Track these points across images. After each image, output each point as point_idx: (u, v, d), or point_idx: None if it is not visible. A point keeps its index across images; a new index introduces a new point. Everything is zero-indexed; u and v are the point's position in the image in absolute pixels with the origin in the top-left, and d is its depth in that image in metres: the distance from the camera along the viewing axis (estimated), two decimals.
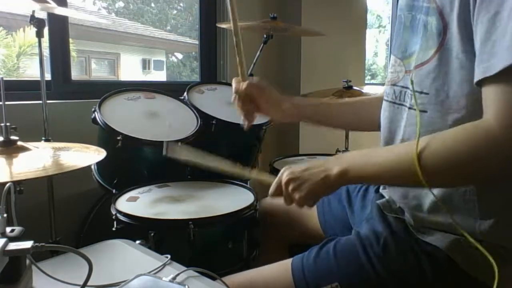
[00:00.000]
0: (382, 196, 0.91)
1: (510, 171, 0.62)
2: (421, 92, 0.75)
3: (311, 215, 1.12)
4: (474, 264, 0.73)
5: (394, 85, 0.84)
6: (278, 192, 0.82)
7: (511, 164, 0.61)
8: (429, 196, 0.76)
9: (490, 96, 0.62)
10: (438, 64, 0.73)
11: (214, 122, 1.44)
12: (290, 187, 0.78)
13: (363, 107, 1.09)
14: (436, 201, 0.75)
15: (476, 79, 0.64)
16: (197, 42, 2.35)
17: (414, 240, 0.79)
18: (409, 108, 0.79)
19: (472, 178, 0.68)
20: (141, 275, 0.68)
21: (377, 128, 1.03)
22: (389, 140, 0.85)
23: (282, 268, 0.88)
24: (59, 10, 1.33)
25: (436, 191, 0.75)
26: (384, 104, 0.89)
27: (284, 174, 0.80)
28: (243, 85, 1.00)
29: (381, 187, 0.95)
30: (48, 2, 1.30)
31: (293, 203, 0.80)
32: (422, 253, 0.77)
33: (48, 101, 1.40)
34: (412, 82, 0.77)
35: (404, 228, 0.81)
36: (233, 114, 1.52)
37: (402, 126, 0.81)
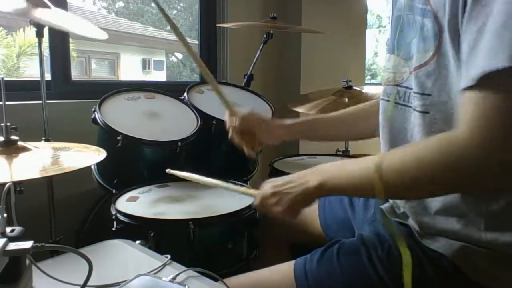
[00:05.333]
0: (386, 200, 0.90)
1: (486, 182, 0.61)
2: (422, 94, 0.75)
3: (313, 217, 1.11)
4: (481, 271, 0.73)
5: (398, 85, 0.83)
6: (262, 205, 0.84)
7: (485, 175, 0.59)
8: (434, 201, 0.76)
9: (465, 104, 0.61)
10: (437, 66, 0.72)
11: (214, 122, 1.44)
12: (272, 201, 0.81)
13: (353, 120, 1.12)
14: (442, 207, 0.74)
15: (461, 88, 0.63)
16: (197, 42, 2.35)
17: (418, 246, 0.78)
18: (414, 109, 0.77)
19: (444, 188, 0.66)
20: (141, 275, 0.68)
21: (371, 136, 1.05)
22: (394, 142, 0.84)
23: (284, 271, 0.87)
24: (56, 20, 1.31)
25: (443, 197, 0.74)
26: (385, 104, 0.87)
27: (265, 188, 0.83)
28: (236, 120, 1.06)
29: None
30: (47, 6, 1.29)
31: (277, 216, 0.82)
32: (426, 259, 0.76)
33: (48, 101, 1.40)
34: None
35: (408, 233, 0.80)
36: None
37: (409, 128, 0.80)
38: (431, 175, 0.63)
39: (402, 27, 0.83)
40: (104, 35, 1.36)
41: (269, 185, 0.83)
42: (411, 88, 0.79)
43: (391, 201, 0.88)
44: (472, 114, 0.59)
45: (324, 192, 0.76)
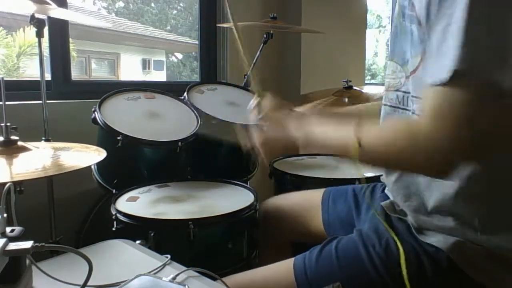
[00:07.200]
0: (387, 197, 0.92)
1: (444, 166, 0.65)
2: (418, 97, 0.76)
3: (315, 215, 1.11)
4: (475, 266, 0.74)
5: (397, 90, 0.85)
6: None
7: (442, 159, 0.64)
8: (431, 199, 0.78)
9: (428, 97, 0.66)
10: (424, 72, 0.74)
11: (214, 122, 1.44)
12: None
13: None
14: (437, 206, 0.76)
15: (428, 83, 0.66)
16: (197, 42, 2.35)
17: (416, 241, 0.80)
18: (413, 113, 0.79)
19: (404, 168, 0.75)
20: (141, 275, 0.68)
21: None
22: None
23: (283, 268, 0.88)
24: (58, 14, 1.32)
25: (439, 196, 0.76)
26: (386, 109, 0.89)
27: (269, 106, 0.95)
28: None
29: (386, 188, 0.95)
30: (48, 3, 1.30)
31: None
32: (424, 254, 0.77)
33: (48, 101, 1.40)
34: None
35: (407, 229, 0.82)
36: (233, 114, 1.52)
37: None
38: (392, 154, 0.69)
39: (397, 33, 0.85)
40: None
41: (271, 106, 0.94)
42: (408, 92, 0.81)
43: (391, 197, 0.90)
44: (431, 105, 0.65)
45: (302, 146, 0.82)
